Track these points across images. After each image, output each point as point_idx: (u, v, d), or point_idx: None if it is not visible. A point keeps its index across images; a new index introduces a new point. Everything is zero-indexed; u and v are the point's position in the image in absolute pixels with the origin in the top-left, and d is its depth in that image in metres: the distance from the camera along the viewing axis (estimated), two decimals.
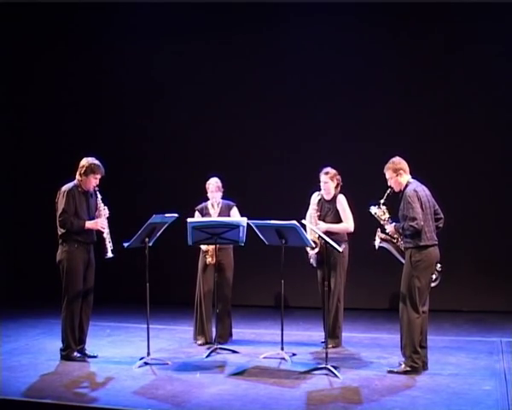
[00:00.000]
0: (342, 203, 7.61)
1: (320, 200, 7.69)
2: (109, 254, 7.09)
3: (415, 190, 6.47)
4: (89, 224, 7.08)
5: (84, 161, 7.12)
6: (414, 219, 6.37)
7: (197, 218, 7.75)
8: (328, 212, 7.63)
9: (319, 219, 7.60)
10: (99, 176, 7.13)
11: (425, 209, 6.46)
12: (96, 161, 7.14)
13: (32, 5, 10.61)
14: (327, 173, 7.61)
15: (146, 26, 10.64)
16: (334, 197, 7.65)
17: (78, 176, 7.13)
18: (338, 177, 7.65)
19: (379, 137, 9.60)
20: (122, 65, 10.80)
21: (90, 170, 7.07)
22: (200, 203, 7.98)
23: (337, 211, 7.61)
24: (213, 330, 7.82)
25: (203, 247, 7.80)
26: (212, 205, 7.89)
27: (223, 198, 7.95)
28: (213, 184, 7.85)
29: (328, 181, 7.60)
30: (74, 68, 10.85)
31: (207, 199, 7.93)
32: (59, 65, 10.90)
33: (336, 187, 7.66)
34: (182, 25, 10.51)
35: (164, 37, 10.53)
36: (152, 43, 10.58)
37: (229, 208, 7.91)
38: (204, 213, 7.87)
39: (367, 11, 9.72)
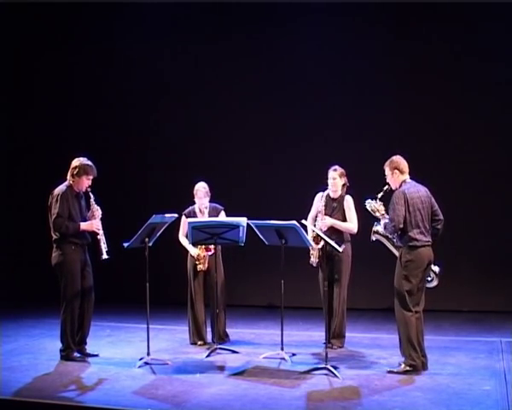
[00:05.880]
0: (349, 203, 7.59)
1: (326, 198, 7.64)
2: (104, 256, 7.02)
3: (403, 192, 6.47)
4: (83, 226, 7.03)
5: (77, 162, 7.03)
6: (392, 220, 6.43)
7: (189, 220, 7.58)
8: (334, 210, 7.59)
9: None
10: (91, 177, 7.05)
11: (413, 211, 6.43)
12: (89, 162, 7.05)
13: (31, 5, 10.61)
14: (335, 170, 7.59)
15: (146, 26, 10.64)
16: (341, 197, 7.63)
17: (70, 177, 7.04)
18: (345, 176, 7.65)
19: (379, 138, 9.59)
20: (122, 66, 10.79)
21: (83, 171, 7.00)
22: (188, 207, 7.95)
23: (343, 211, 7.59)
24: (208, 330, 7.84)
25: (193, 253, 7.75)
26: (200, 210, 7.82)
27: (210, 201, 7.87)
28: (201, 190, 7.77)
29: (337, 177, 7.57)
30: (75, 68, 10.85)
31: (194, 203, 7.87)
32: (60, 65, 10.89)
33: (343, 186, 7.64)
34: (181, 25, 10.51)
35: (163, 38, 10.52)
36: (151, 45, 10.57)
37: (218, 212, 7.84)
38: (191, 217, 7.76)
39: (367, 11, 9.72)
